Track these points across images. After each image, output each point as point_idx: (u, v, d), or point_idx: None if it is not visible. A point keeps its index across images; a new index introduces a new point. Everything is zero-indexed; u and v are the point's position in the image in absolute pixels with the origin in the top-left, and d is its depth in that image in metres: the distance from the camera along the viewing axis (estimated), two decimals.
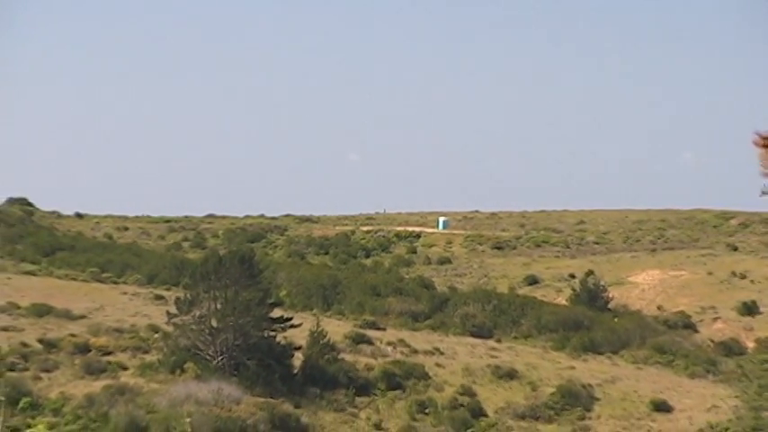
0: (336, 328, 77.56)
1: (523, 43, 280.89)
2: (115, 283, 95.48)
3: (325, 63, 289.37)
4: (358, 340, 77.84)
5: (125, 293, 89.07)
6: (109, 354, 70.98)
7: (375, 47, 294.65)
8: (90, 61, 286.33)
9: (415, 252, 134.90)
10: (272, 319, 71.84)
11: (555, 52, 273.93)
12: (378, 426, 66.37)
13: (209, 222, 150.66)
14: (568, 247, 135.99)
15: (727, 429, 71.40)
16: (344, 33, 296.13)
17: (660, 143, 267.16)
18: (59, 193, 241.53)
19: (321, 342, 71.41)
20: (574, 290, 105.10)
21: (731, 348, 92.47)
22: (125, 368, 69.28)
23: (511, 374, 75.09)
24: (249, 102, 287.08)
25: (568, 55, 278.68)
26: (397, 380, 71.48)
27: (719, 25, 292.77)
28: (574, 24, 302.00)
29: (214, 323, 69.86)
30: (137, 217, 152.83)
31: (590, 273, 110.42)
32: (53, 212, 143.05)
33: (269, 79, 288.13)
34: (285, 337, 71.53)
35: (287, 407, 65.67)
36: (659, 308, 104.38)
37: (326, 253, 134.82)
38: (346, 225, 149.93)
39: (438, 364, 75.38)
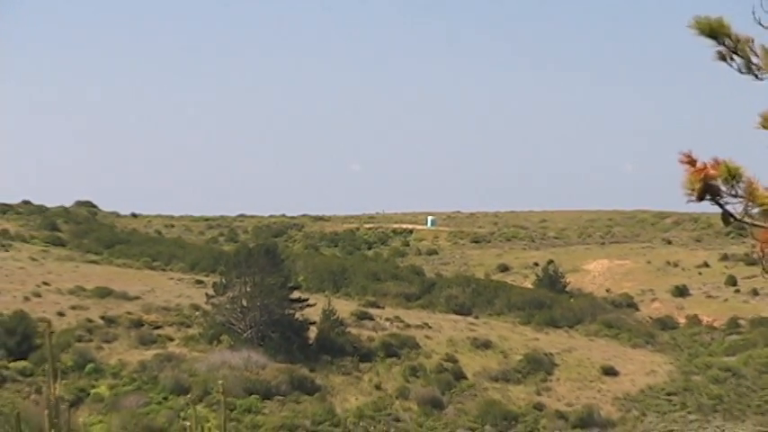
0: (344, 307, 77.19)
1: (499, 57, 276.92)
2: (163, 270, 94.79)
3: (326, 86, 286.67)
4: (361, 317, 77.58)
5: (171, 279, 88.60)
6: (158, 328, 71.14)
7: (372, 66, 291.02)
8: (142, 81, 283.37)
9: (408, 245, 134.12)
10: (291, 299, 72.01)
11: (526, 70, 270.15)
12: (378, 386, 66.61)
13: (241, 221, 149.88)
14: (533, 241, 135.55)
15: (662, 389, 71.39)
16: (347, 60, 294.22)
17: (607, 156, 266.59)
18: (118, 196, 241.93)
19: (331, 318, 71.56)
20: (537, 276, 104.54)
21: (666, 324, 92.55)
22: (171, 339, 69.71)
23: (486, 344, 74.98)
24: (274, 122, 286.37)
25: (542, 73, 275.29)
26: (393, 349, 71.49)
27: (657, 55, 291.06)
28: (544, 40, 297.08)
29: (244, 303, 70.15)
30: (181, 216, 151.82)
31: (550, 262, 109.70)
32: (113, 213, 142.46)
33: (296, 103, 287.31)
34: (302, 314, 71.49)
35: (304, 371, 66.05)
36: (607, 290, 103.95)
37: (336, 246, 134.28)
38: (352, 223, 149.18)
39: (427, 336, 75.18)
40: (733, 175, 5.80)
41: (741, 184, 5.81)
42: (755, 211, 5.88)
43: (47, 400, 4.51)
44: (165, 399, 61.85)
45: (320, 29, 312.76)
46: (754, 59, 6.18)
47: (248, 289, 70.11)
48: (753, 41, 6.16)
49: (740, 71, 6.23)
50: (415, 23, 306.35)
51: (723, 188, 5.86)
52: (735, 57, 6.21)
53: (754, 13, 5.95)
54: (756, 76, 6.22)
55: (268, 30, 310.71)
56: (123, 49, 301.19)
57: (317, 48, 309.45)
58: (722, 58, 6.25)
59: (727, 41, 6.18)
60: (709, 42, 6.20)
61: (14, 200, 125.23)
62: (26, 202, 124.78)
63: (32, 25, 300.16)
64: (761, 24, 5.97)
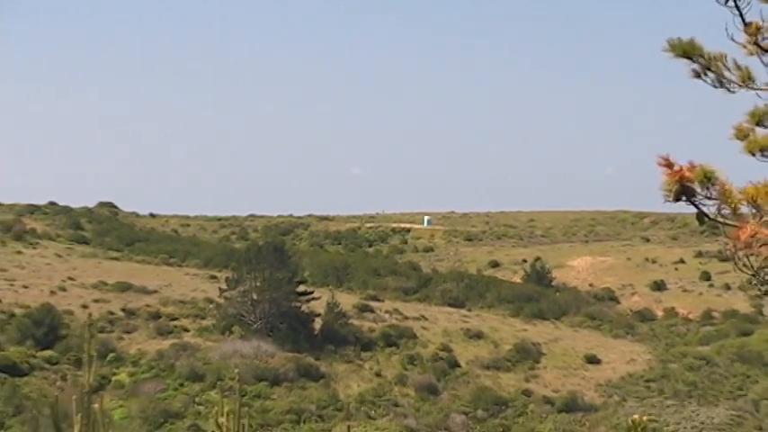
0: (347, 300, 77.30)
1: (487, 64, 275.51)
2: (179, 266, 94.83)
3: (328, 94, 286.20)
4: (363, 309, 77.74)
5: (187, 274, 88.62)
6: (175, 319, 71.33)
7: (370, 74, 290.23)
8: (162, 86, 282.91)
9: (406, 243, 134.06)
10: (298, 293, 72.16)
11: (513, 79, 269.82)
12: (378, 374, 66.77)
13: (251, 220, 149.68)
14: (521, 239, 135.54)
15: (641, 377, 71.51)
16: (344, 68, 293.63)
17: (590, 160, 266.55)
18: (137, 198, 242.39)
19: (335, 310, 71.61)
20: (525, 271, 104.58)
21: (645, 316, 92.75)
22: (187, 330, 69.84)
23: (478, 335, 75.07)
24: (283, 129, 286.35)
25: (529, 83, 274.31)
26: (392, 339, 71.62)
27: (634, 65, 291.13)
28: (535, 45, 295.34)
29: (254, 296, 70.27)
30: (196, 216, 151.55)
31: (538, 259, 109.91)
32: (132, 213, 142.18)
33: (302, 111, 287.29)
34: (308, 307, 71.64)
35: (309, 359, 66.17)
36: (590, 285, 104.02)
37: (339, 243, 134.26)
38: (354, 222, 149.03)
39: (423, 328, 75.28)
40: (708, 178, 5.84)
41: (715, 187, 5.85)
42: (727, 211, 5.93)
43: (81, 387, 4.55)
44: (181, 385, 61.92)
45: (328, 39, 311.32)
46: (727, 74, 6.24)
47: (258, 283, 70.24)
48: (725, 58, 6.22)
49: (714, 86, 6.29)
50: (411, 30, 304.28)
51: (698, 190, 5.91)
52: (708, 73, 6.28)
53: (726, 29, 6.02)
54: (729, 90, 6.28)
55: (281, 40, 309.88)
56: (148, 58, 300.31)
57: (323, 58, 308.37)
58: (697, 75, 6.32)
59: (701, 60, 6.24)
60: (685, 61, 6.27)
61: (41, 201, 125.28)
62: (52, 203, 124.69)
63: (44, 27, 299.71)
64: (733, 40, 6.03)
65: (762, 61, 6.07)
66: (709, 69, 6.25)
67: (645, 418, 5.06)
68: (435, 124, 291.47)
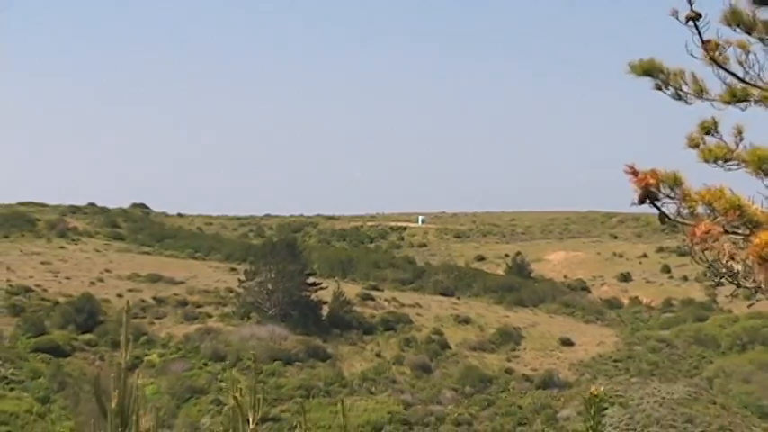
0: (350, 290, 77.15)
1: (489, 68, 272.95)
2: (203, 260, 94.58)
3: (333, 105, 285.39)
4: (365, 297, 77.39)
5: (210, 267, 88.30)
6: (200, 307, 71.22)
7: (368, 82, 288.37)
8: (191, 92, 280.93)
9: (402, 239, 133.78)
10: (307, 283, 72.04)
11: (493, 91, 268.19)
12: (378, 354, 66.68)
13: (267, 219, 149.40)
14: (504, 236, 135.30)
15: (610, 357, 71.42)
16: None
17: (565, 167, 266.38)
18: (167, 199, 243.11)
19: (340, 299, 71.52)
20: (507, 265, 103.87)
21: (612, 304, 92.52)
22: (210, 316, 69.70)
23: (466, 320, 74.96)
24: (295, 139, 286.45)
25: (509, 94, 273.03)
26: (391, 324, 71.54)
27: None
28: (525, 50, 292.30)
29: (269, 286, 70.22)
30: (218, 216, 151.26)
31: (518, 253, 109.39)
32: (162, 213, 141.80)
33: (311, 122, 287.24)
34: (316, 296, 71.54)
35: (318, 342, 66.10)
36: (564, 277, 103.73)
37: (344, 240, 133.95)
38: (357, 221, 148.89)
39: (418, 314, 75.19)
40: (676, 182, 5.89)
41: (680, 189, 5.90)
42: (686, 211, 5.98)
43: (118, 366, 4.55)
44: (205, 364, 61.96)
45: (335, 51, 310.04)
46: (685, 88, 6.28)
47: (273, 275, 70.18)
48: (684, 73, 6.26)
49: (673, 98, 6.33)
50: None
51: (660, 193, 5.95)
52: (668, 87, 6.32)
53: (686, 46, 6.05)
54: (686, 102, 6.32)
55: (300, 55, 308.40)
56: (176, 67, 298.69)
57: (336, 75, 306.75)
58: (658, 88, 6.36)
59: (661, 76, 6.29)
60: (648, 78, 6.32)
61: (82, 202, 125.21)
62: (91, 204, 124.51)
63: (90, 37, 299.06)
64: (692, 56, 6.06)
65: (717, 75, 6.11)
66: (668, 84, 6.29)
67: (602, 388, 5.04)
68: (431, 135, 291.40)
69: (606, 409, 5.17)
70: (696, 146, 6.25)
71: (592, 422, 5.74)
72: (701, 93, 6.23)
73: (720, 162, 6.16)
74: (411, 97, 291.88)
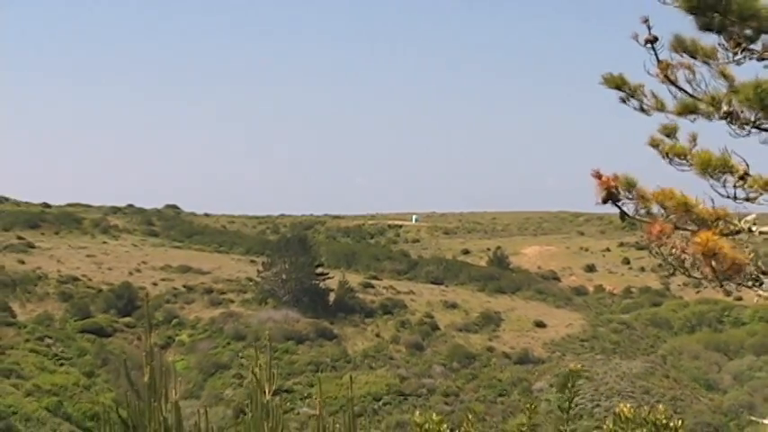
0: (354, 279, 76.78)
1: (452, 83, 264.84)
2: (227, 253, 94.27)
3: (337, 115, 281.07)
4: (366, 286, 76.87)
5: (233, 259, 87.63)
6: (223, 294, 70.90)
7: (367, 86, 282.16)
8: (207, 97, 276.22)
9: (398, 236, 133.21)
10: (317, 273, 71.74)
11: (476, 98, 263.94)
12: (378, 335, 66.40)
13: (281, 218, 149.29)
14: (486, 233, 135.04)
15: (577, 337, 71.08)
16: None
17: (536, 173, 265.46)
18: (196, 200, 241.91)
19: (345, 287, 71.29)
20: (489, 257, 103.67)
21: (580, 291, 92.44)
22: (232, 302, 69.40)
23: (453, 305, 74.63)
24: (306, 148, 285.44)
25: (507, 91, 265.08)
26: (388, 308, 71.15)
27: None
28: (514, 57, 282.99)
29: (284, 276, 69.92)
30: (239, 215, 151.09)
31: (499, 248, 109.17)
32: (191, 212, 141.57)
33: (319, 131, 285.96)
34: (324, 284, 71.27)
35: (325, 324, 65.96)
36: (538, 267, 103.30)
37: (348, 236, 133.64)
38: (359, 220, 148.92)
39: (412, 300, 74.81)
40: (630, 185, 5.95)
41: (635, 191, 5.95)
42: (642, 210, 6.02)
43: (145, 345, 4.52)
44: (228, 344, 61.88)
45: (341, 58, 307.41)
46: (646, 101, 6.35)
47: (287, 266, 69.97)
48: (643, 87, 6.34)
49: (636, 110, 6.38)
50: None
51: (621, 195, 6.00)
52: (632, 100, 6.37)
53: (644, 65, 6.11)
54: (647, 113, 6.37)
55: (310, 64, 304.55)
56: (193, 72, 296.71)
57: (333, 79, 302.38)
58: (623, 101, 6.40)
59: (627, 89, 6.34)
60: (615, 91, 6.38)
61: (122, 203, 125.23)
62: (130, 205, 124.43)
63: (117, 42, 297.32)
64: (649, 73, 6.15)
65: (669, 91, 6.19)
66: (632, 97, 6.34)
67: (579, 366, 5.08)
68: (424, 143, 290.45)
69: (581, 382, 5.20)
70: (656, 146, 6.32)
71: (569, 392, 5.79)
72: (659, 106, 6.30)
73: (679, 159, 6.22)
74: (406, 108, 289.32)
